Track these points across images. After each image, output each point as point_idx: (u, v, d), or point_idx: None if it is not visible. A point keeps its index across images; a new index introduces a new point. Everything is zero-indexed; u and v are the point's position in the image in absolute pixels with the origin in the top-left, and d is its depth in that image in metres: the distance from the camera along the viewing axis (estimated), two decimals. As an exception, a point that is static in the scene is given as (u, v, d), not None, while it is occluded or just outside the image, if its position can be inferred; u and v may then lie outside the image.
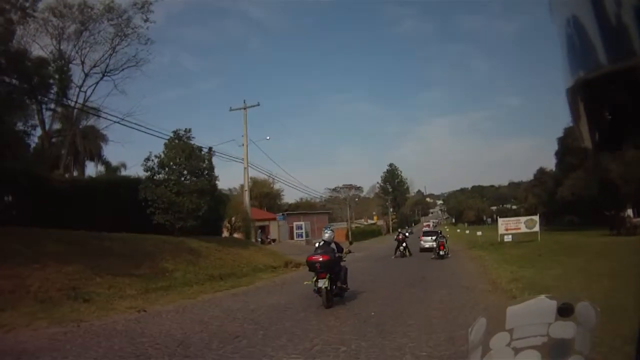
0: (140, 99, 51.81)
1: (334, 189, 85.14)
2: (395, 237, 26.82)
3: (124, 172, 30.80)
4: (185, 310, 9.47)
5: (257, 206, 46.28)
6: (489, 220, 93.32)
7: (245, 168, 28.45)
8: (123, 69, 23.92)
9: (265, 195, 55.58)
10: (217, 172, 21.81)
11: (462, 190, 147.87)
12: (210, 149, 24.26)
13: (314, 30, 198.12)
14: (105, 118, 24.65)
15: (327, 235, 9.54)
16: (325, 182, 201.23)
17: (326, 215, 59.97)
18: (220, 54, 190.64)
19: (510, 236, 27.64)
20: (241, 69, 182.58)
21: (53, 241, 12.79)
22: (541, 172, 54.09)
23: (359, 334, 6.49)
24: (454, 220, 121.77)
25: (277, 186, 58.02)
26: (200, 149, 20.70)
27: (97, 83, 23.56)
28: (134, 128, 30.36)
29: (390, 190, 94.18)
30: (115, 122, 23.01)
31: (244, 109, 28.37)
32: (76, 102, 22.66)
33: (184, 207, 18.43)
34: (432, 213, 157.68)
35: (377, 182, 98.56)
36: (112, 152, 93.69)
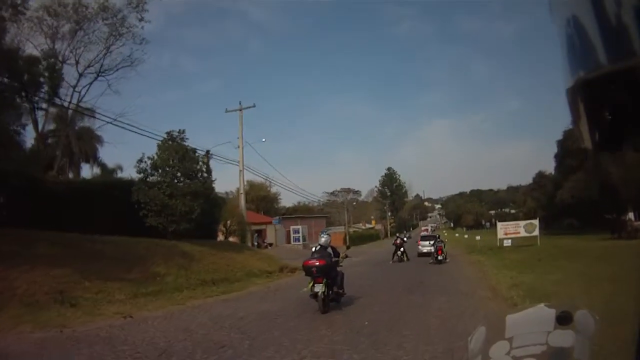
0: (134, 99, 51.26)
1: (332, 193, 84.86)
2: (393, 241, 26.49)
3: (120, 175, 30.39)
4: (172, 316, 9.22)
5: (254, 210, 45.99)
6: (488, 224, 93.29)
7: (240, 171, 28.16)
8: (117, 69, 23.60)
9: (262, 199, 55.29)
10: (213, 175, 21.57)
11: (461, 195, 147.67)
12: (207, 152, 24.01)
13: (314, 31, 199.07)
14: (99, 118, 24.30)
15: (323, 239, 9.55)
16: (323, 186, 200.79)
17: (324, 219, 59.63)
18: (219, 54, 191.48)
19: (509, 240, 27.46)
20: (240, 69, 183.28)
21: (44, 243, 12.56)
22: (540, 176, 53.95)
23: (351, 345, 6.13)
24: (452, 225, 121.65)
25: (274, 190, 57.83)
26: (194, 150, 20.34)
27: (91, 83, 23.26)
28: (126, 129, 30.00)
29: (389, 194, 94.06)
30: (108, 122, 22.71)
31: (240, 110, 28.09)
32: (70, 102, 22.36)
33: (177, 209, 18.09)
34: (430, 217, 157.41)
35: (376, 186, 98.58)
36: (108, 154, 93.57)
